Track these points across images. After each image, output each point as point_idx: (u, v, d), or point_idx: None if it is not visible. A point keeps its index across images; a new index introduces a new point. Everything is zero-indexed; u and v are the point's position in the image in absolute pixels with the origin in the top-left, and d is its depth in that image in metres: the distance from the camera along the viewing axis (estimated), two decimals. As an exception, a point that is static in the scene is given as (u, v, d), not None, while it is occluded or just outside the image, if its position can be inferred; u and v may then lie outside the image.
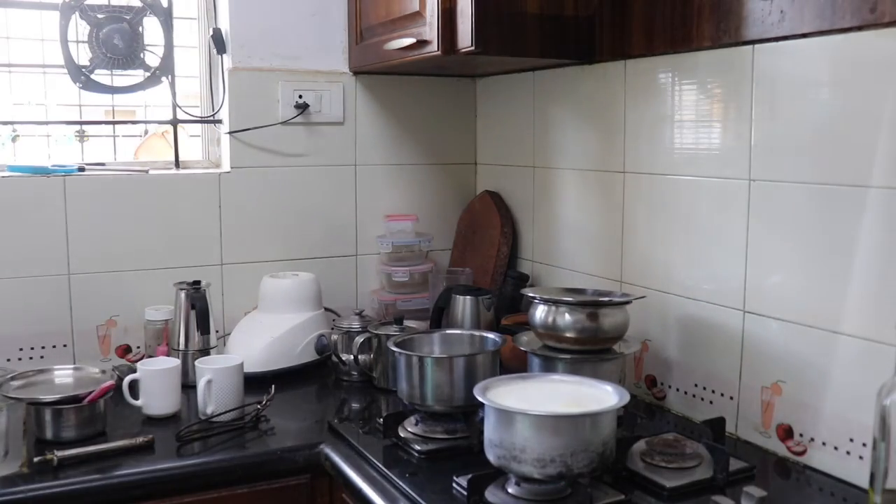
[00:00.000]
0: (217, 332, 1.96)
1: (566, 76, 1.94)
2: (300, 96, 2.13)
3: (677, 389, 1.67)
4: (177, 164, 2.14)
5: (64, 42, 1.95)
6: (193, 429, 1.57)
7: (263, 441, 1.56)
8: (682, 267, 1.64)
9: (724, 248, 1.53)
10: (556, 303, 1.54)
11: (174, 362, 1.71)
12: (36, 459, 1.42)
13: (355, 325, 1.90)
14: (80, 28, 1.96)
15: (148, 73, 2.03)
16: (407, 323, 1.86)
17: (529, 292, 1.66)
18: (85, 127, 2.12)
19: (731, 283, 1.51)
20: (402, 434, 1.50)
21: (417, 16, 1.78)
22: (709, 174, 1.56)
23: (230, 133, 2.08)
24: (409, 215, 2.24)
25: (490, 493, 1.24)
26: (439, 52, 1.71)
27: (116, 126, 2.16)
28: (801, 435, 1.41)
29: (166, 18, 2.03)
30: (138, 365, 1.70)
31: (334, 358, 1.89)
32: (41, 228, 1.89)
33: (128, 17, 1.99)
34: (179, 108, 2.11)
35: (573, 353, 1.53)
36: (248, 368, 1.74)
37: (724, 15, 1.48)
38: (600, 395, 1.28)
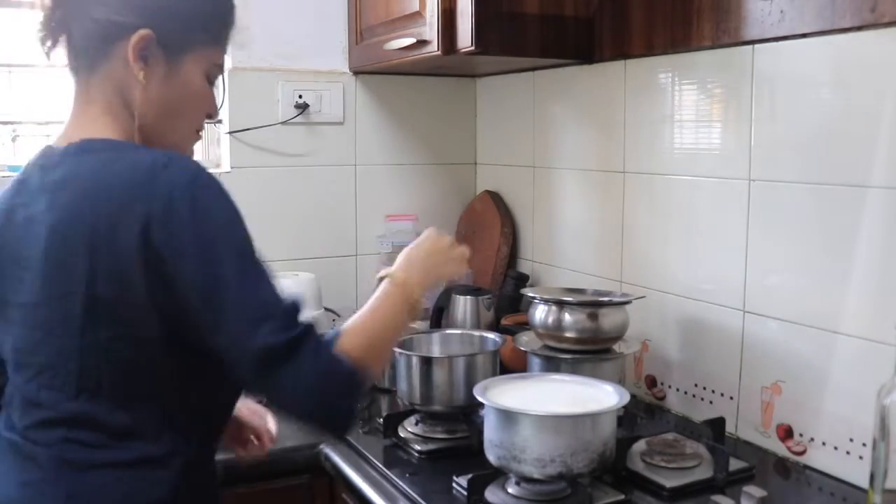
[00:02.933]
0: (217, 332, 1.95)
1: (566, 76, 1.94)
2: (300, 96, 2.13)
3: (677, 389, 1.67)
4: (177, 164, 2.13)
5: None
6: (193, 429, 1.57)
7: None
8: (681, 267, 1.64)
9: (724, 248, 1.53)
10: (556, 303, 1.54)
11: (174, 362, 1.71)
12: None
13: (355, 325, 1.90)
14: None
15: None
16: (407, 323, 1.86)
17: (529, 292, 1.66)
18: (85, 127, 2.11)
19: (731, 282, 1.51)
20: (402, 434, 1.50)
21: (417, 16, 1.78)
22: (708, 174, 1.56)
23: (230, 133, 2.08)
24: (409, 215, 2.23)
25: (490, 493, 1.24)
26: (439, 52, 1.71)
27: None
28: (800, 435, 1.41)
29: (166, 18, 2.03)
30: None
31: (334, 358, 1.89)
32: (41, 228, 1.89)
33: (128, 17, 1.98)
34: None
35: (573, 353, 1.53)
36: (248, 368, 1.74)
37: (723, 15, 1.48)
38: (600, 395, 1.28)
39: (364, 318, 1.10)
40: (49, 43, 1.07)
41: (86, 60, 1.05)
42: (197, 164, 1.00)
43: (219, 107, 1.16)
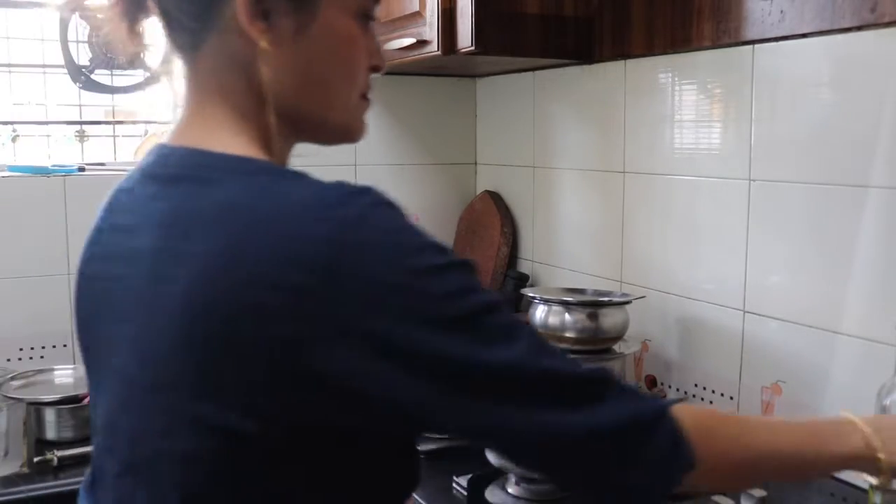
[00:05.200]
0: (217, 332, 1.95)
1: (566, 76, 1.94)
2: (300, 96, 2.13)
3: (677, 389, 1.67)
4: (177, 164, 2.13)
5: (64, 42, 1.95)
6: (193, 429, 1.56)
7: (263, 441, 1.56)
8: (681, 267, 1.64)
9: (724, 248, 1.53)
10: (556, 303, 1.54)
11: (174, 362, 1.70)
12: (36, 459, 1.43)
13: (355, 325, 1.90)
14: (80, 28, 1.96)
15: (148, 73, 2.03)
16: (407, 323, 1.86)
17: (529, 292, 1.66)
18: (85, 127, 2.12)
19: (731, 282, 1.51)
20: (402, 434, 1.50)
21: (417, 16, 1.78)
22: (709, 174, 1.56)
23: (230, 133, 2.08)
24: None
25: (490, 493, 1.24)
26: (439, 52, 1.71)
27: (116, 126, 2.16)
28: (801, 435, 1.41)
29: (166, 18, 2.03)
30: (138, 365, 1.69)
31: (334, 358, 1.89)
32: (41, 228, 1.90)
33: (128, 17, 1.98)
34: (179, 108, 2.10)
35: (573, 353, 1.53)
36: (248, 368, 1.74)
37: (723, 15, 1.48)
38: (600, 395, 1.28)
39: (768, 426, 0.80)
40: (130, 15, 0.79)
41: (185, 33, 0.76)
42: (402, 224, 0.66)
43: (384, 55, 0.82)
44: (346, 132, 0.83)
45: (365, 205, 0.64)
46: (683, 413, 0.71)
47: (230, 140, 0.74)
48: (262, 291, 0.61)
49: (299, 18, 0.73)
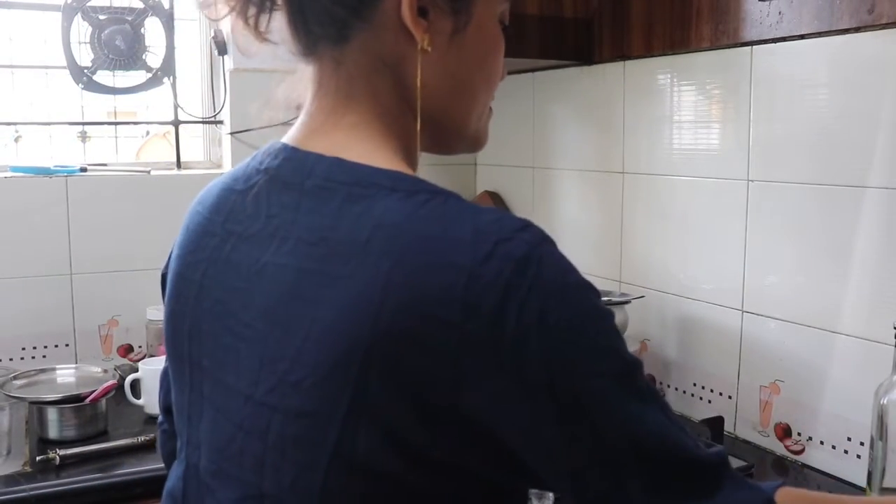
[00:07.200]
0: (218, 331, 1.95)
1: (566, 77, 1.95)
2: (301, 97, 2.13)
3: (676, 389, 1.67)
4: (178, 164, 2.14)
5: (66, 43, 1.95)
6: (195, 428, 1.57)
7: (264, 440, 1.56)
8: (680, 267, 1.64)
9: (723, 248, 1.53)
10: (556, 303, 1.55)
11: (176, 362, 1.71)
12: (38, 458, 1.43)
13: (356, 324, 1.90)
14: (82, 29, 1.97)
15: (149, 74, 2.04)
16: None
17: (529, 292, 1.66)
18: (87, 127, 2.13)
19: (730, 282, 1.52)
20: (402, 433, 1.50)
21: (418, 17, 1.79)
22: (707, 175, 1.57)
23: (231, 134, 2.09)
24: (409, 215, 2.23)
25: None
26: (439, 53, 1.72)
27: (118, 127, 2.17)
28: (799, 434, 1.41)
29: (168, 20, 2.04)
30: (140, 364, 1.70)
31: (335, 357, 1.89)
32: (43, 229, 1.90)
33: (129, 19, 1.99)
34: (181, 108, 2.11)
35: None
36: (250, 368, 1.74)
37: (722, 16, 1.48)
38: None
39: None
40: (255, 9, 0.72)
41: (332, 25, 0.69)
42: (563, 260, 0.62)
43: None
44: (475, 141, 0.79)
45: (529, 242, 0.60)
46: (785, 500, 0.68)
47: (376, 150, 0.68)
48: (424, 325, 0.58)
49: (457, 19, 0.69)
